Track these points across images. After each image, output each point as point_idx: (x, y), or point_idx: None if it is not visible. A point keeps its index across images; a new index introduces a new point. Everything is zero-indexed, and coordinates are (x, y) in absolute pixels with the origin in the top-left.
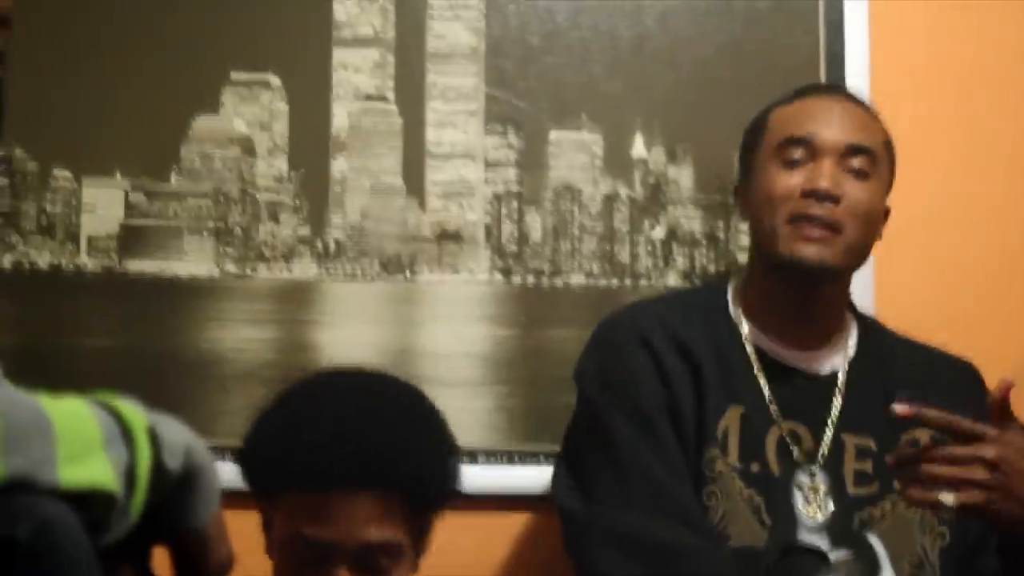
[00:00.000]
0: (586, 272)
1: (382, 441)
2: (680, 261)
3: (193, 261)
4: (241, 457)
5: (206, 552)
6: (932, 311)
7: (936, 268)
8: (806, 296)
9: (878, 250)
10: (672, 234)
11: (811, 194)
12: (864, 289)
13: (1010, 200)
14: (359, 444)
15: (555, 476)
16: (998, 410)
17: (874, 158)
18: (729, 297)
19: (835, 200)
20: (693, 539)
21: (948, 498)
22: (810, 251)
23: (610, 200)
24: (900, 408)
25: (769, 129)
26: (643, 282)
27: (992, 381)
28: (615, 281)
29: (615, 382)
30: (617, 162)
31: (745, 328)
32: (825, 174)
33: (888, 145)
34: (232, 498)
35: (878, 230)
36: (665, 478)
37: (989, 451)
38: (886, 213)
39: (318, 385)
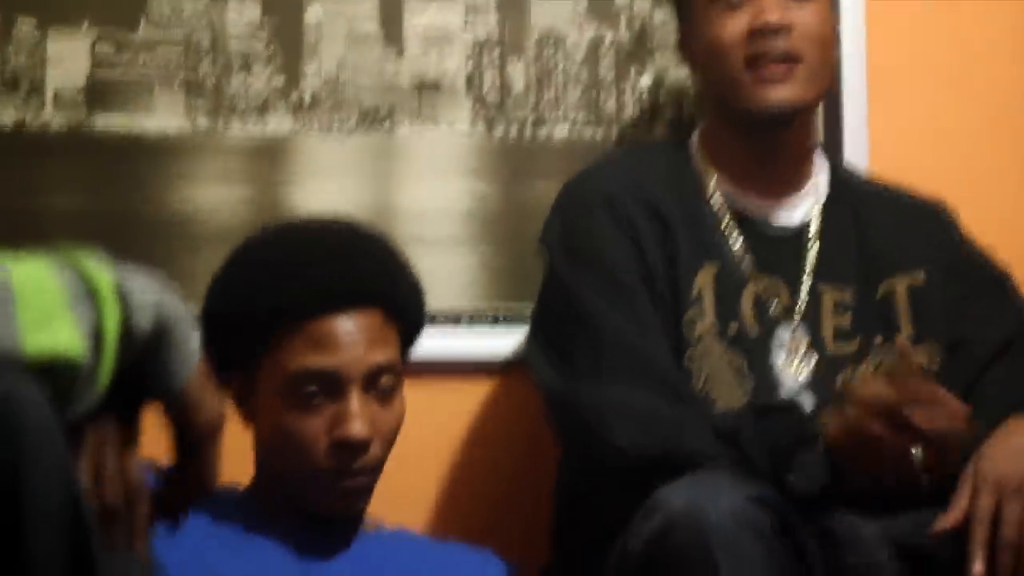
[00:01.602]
0: (571, 122)
1: (373, 261)
2: (668, 110)
3: (163, 116)
4: (210, 313)
5: (191, 412)
6: (927, 170)
7: (931, 127)
8: (774, 140)
9: (872, 110)
10: (659, 82)
11: (760, 31)
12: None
13: (1011, 63)
14: (354, 264)
15: (529, 348)
16: None
17: None
18: (694, 150)
19: (787, 29)
20: (678, 412)
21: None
22: (777, 94)
23: (595, 46)
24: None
25: None
26: (629, 133)
27: (982, 234)
28: (601, 132)
29: (583, 247)
30: (601, 7)
31: (712, 181)
32: (769, 6)
33: None
34: None
35: (833, 52)
36: (643, 346)
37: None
38: (835, 31)
39: (287, 227)
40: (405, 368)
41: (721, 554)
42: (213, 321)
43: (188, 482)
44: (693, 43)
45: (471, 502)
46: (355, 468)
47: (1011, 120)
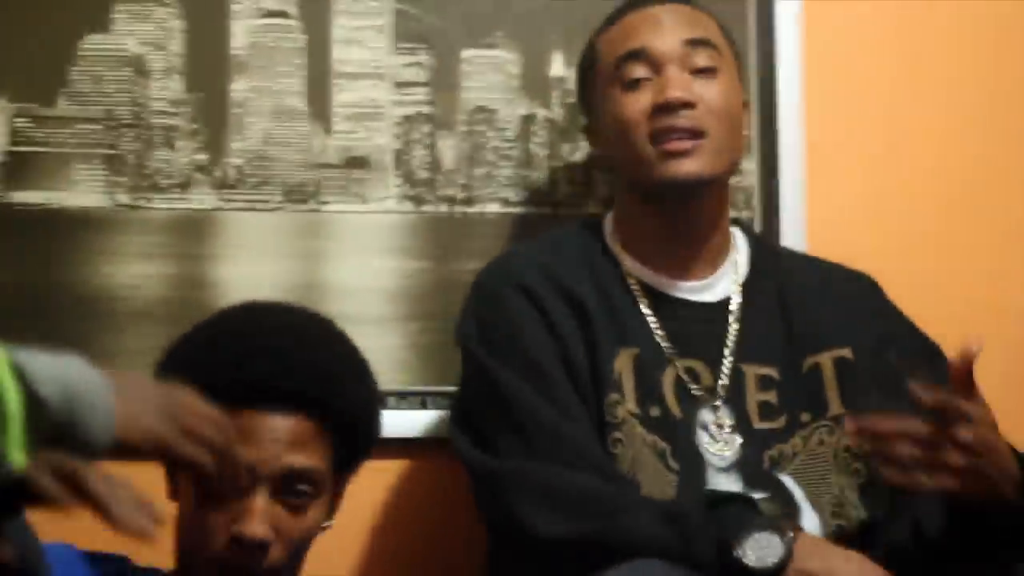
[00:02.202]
0: (502, 200)
1: (308, 362)
2: (601, 187)
3: (83, 191)
4: None
5: (147, 447)
6: (865, 247)
7: (869, 203)
8: (685, 214)
9: (812, 185)
10: (592, 158)
11: (664, 108)
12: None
13: (943, 140)
14: (286, 361)
15: (454, 441)
16: (961, 382)
17: (717, 49)
18: (606, 232)
19: (691, 105)
20: (616, 493)
21: (926, 481)
22: (682, 168)
23: (527, 122)
24: (850, 426)
25: (601, 56)
26: (562, 210)
27: (922, 312)
28: (533, 209)
29: (500, 337)
30: (534, 82)
31: (627, 263)
32: (673, 83)
33: (726, 33)
34: None
35: (742, 125)
36: (568, 430)
37: (965, 434)
38: (746, 104)
39: (240, 309)
40: (344, 474)
41: None
42: None
43: None
44: (599, 126)
45: None
46: (250, 568)
47: (949, 193)
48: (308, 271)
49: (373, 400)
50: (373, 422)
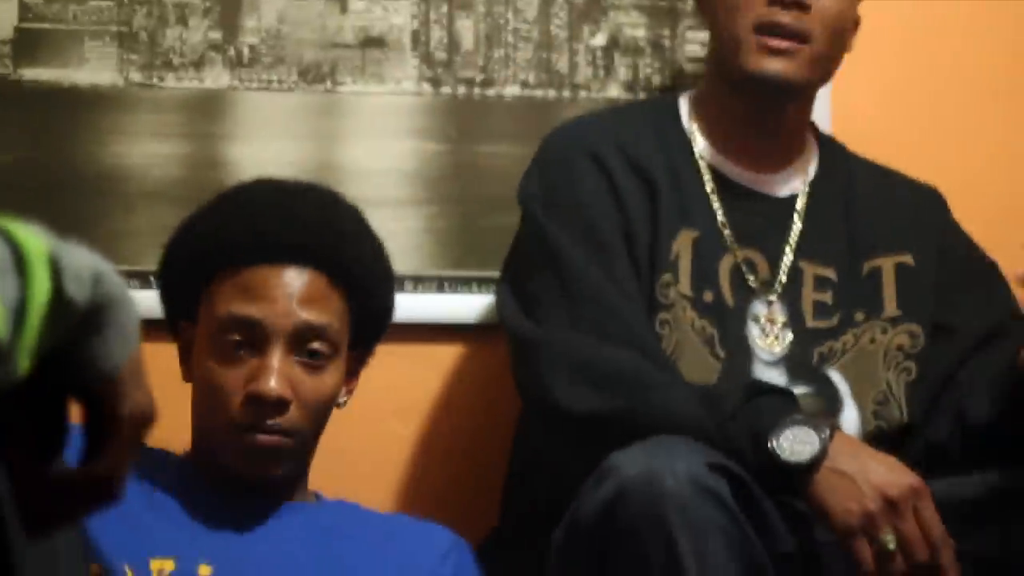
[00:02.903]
0: (521, 82)
1: (317, 217)
2: (622, 71)
3: (95, 69)
4: (164, 259)
5: (119, 400)
6: (890, 134)
7: (895, 90)
8: (768, 113)
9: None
10: (614, 41)
11: (778, 0)
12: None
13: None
14: (294, 216)
15: (499, 303)
16: None
17: None
18: (683, 111)
19: (804, 7)
20: (656, 372)
21: None
22: (775, 65)
23: (547, 4)
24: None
25: None
26: (582, 93)
27: (955, 206)
28: (552, 92)
29: (564, 202)
30: None
31: (700, 145)
32: None
33: None
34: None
35: (847, 41)
36: (619, 304)
37: None
38: (856, 23)
39: (251, 181)
40: (360, 350)
41: (677, 524)
42: (165, 267)
43: (92, 481)
44: None
45: (418, 470)
46: (267, 425)
47: (980, 87)
48: (323, 152)
49: (382, 262)
50: (384, 286)
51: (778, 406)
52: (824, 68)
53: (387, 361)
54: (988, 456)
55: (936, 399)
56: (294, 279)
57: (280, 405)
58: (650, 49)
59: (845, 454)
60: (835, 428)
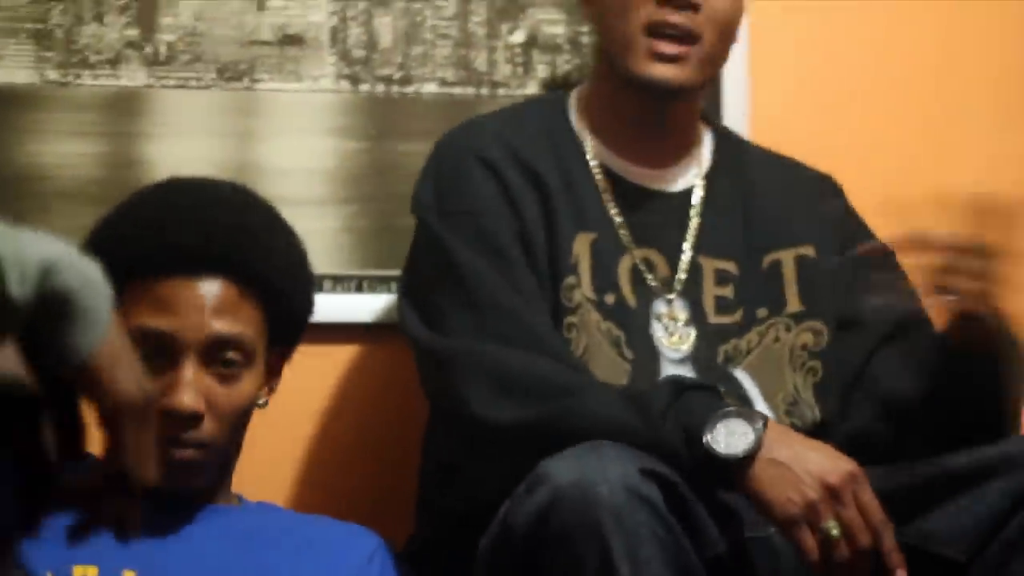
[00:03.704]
0: (440, 80)
1: (227, 225)
2: (541, 68)
3: (10, 67)
4: None
5: (98, 387)
6: (807, 131)
7: (813, 97)
8: (658, 112)
9: (754, 77)
10: (532, 39)
11: (668, 0)
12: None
13: (889, 33)
14: (203, 225)
15: (401, 317)
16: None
17: None
18: (572, 109)
19: (695, 7)
20: (574, 376)
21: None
22: (665, 72)
23: (466, 1)
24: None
25: None
26: (501, 91)
27: (865, 203)
28: (471, 90)
29: (459, 210)
30: None
31: (590, 145)
32: None
33: None
34: None
35: (735, 37)
36: (522, 310)
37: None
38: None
39: (161, 183)
40: (280, 348)
41: (612, 531)
42: None
43: (113, 474)
44: None
45: (336, 471)
46: (182, 439)
47: (895, 86)
48: (242, 151)
49: (298, 264)
50: (301, 289)
51: (707, 401)
52: (713, 66)
53: (306, 362)
54: (921, 440)
55: (849, 394)
56: (205, 290)
57: (193, 419)
58: (568, 46)
59: (781, 444)
60: (768, 419)
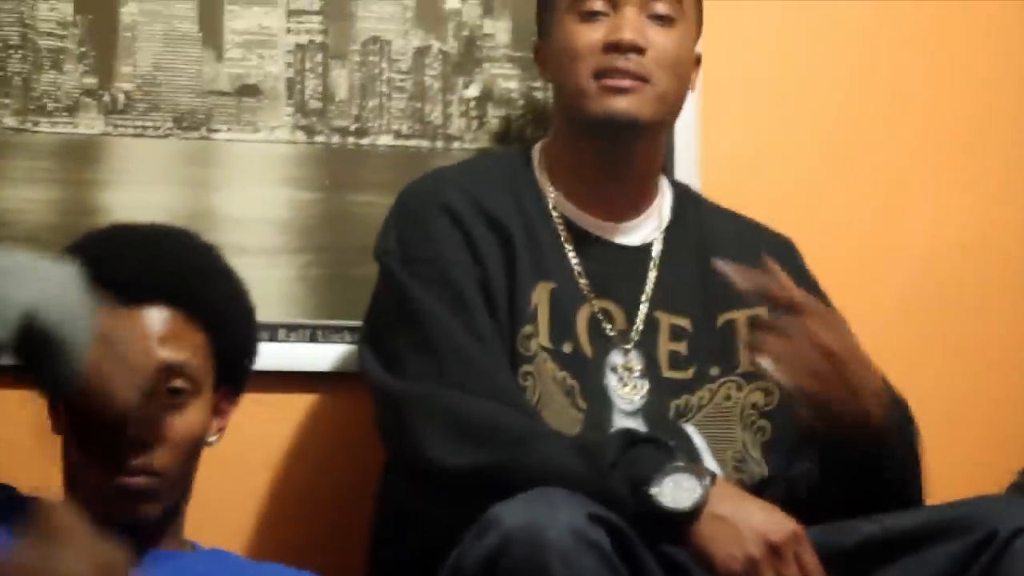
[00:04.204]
0: (395, 132)
1: (170, 255)
2: (495, 122)
3: None
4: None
5: (94, 404)
6: (757, 183)
7: (763, 145)
8: (617, 157)
9: (704, 128)
10: (487, 93)
11: (614, 47)
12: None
13: (838, 82)
14: (148, 256)
15: (362, 362)
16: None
17: (679, 1)
18: (534, 163)
19: (640, 51)
20: (528, 424)
21: (766, 363)
22: (620, 104)
23: (421, 54)
24: (722, 266)
25: None
26: (455, 144)
27: (815, 255)
28: (425, 142)
29: (421, 257)
30: (429, 13)
31: (552, 196)
32: (627, 24)
33: None
34: None
35: (689, 79)
36: (482, 357)
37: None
38: (697, 60)
39: (103, 228)
40: (227, 388)
41: (559, 572)
42: None
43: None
44: (550, 51)
45: (289, 519)
46: (132, 467)
47: (844, 134)
48: (197, 199)
49: (241, 297)
50: (244, 319)
51: (657, 454)
52: (668, 106)
53: (259, 410)
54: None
55: (796, 450)
56: (150, 318)
57: (144, 446)
58: (523, 100)
59: (726, 500)
60: (715, 475)
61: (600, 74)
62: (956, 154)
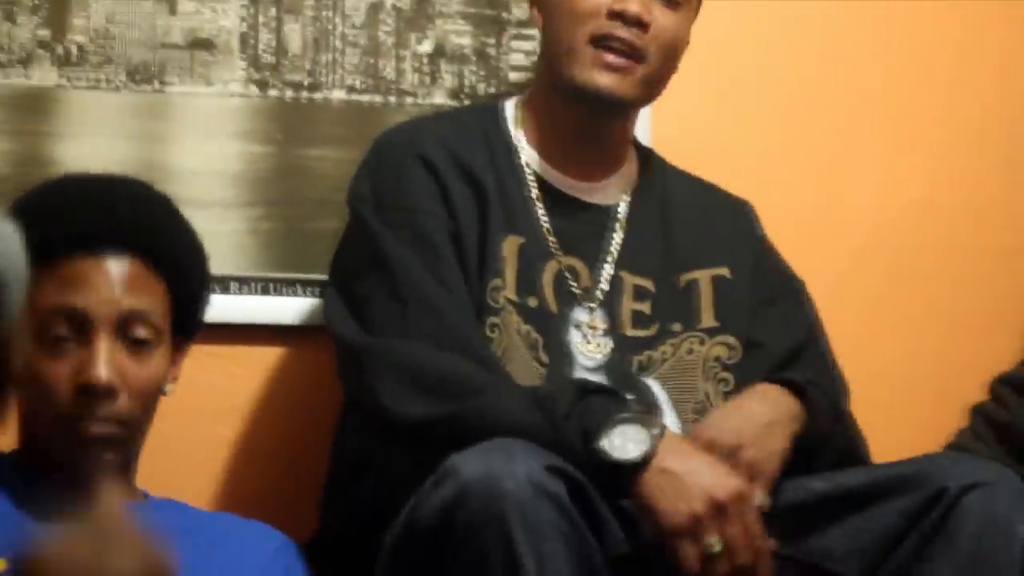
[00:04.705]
0: (348, 87)
1: (135, 209)
2: (448, 78)
3: None
4: None
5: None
6: (709, 146)
7: (713, 106)
8: (595, 125)
9: None
10: (440, 49)
11: (619, 15)
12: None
13: (787, 44)
14: (110, 205)
15: (327, 307)
16: None
17: None
18: (508, 117)
19: (644, 26)
20: (487, 375)
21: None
22: (607, 81)
23: (375, 10)
24: None
25: None
26: (408, 100)
27: (768, 216)
28: (378, 97)
29: (394, 205)
30: None
31: (525, 152)
32: None
33: None
34: None
35: (678, 63)
36: (449, 308)
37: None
38: (686, 44)
39: (60, 177)
40: (180, 338)
41: (516, 523)
42: None
43: None
44: (547, 1)
45: (241, 471)
46: (98, 414)
47: (794, 99)
48: (150, 152)
49: (198, 247)
50: (201, 270)
51: (609, 405)
52: (654, 88)
53: (211, 362)
54: None
55: None
56: (114, 267)
57: (110, 393)
58: (475, 57)
59: (675, 454)
60: (665, 428)
61: (598, 40)
62: (905, 117)
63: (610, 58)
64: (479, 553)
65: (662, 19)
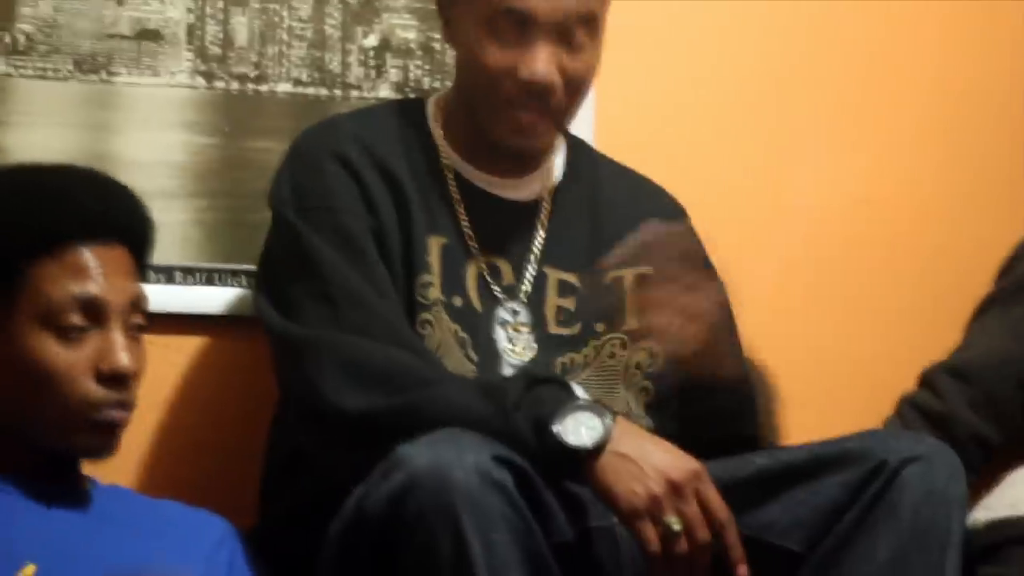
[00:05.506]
0: (294, 80)
1: (126, 195)
2: (393, 72)
3: None
4: None
5: None
6: (651, 141)
7: (658, 102)
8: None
9: (599, 87)
10: (386, 43)
11: (527, 85)
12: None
13: (731, 38)
14: (109, 195)
15: (258, 310)
16: None
17: (596, 21)
18: (428, 116)
19: (553, 87)
20: (430, 367)
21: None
22: (522, 140)
23: (321, 3)
24: None
25: None
26: (354, 93)
27: (710, 212)
28: (324, 91)
29: (315, 205)
30: None
31: (445, 150)
32: (541, 59)
33: None
34: None
35: (590, 88)
36: (378, 304)
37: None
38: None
39: (26, 165)
40: None
41: (464, 512)
42: None
43: None
44: (457, 38)
45: (181, 459)
46: (118, 401)
47: (740, 91)
48: (96, 142)
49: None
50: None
51: (559, 394)
52: (569, 119)
53: (154, 351)
54: None
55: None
56: (115, 255)
57: (131, 380)
58: (421, 51)
59: (628, 438)
60: (616, 414)
61: (510, 102)
62: (846, 116)
63: (524, 120)
64: (428, 542)
65: (570, 67)
